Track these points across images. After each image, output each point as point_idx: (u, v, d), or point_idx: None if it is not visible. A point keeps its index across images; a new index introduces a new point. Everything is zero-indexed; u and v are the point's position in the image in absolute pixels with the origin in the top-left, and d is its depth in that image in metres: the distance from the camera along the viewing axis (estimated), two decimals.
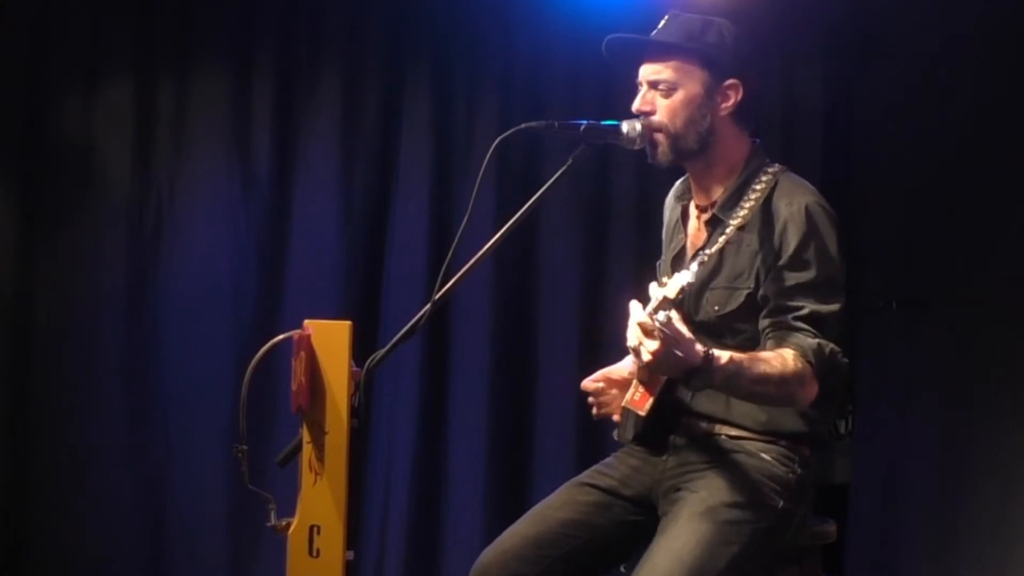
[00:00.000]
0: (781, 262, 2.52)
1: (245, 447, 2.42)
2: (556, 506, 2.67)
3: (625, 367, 2.67)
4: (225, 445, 4.09)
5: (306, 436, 2.41)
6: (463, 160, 4.34)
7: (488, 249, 2.51)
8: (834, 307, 2.51)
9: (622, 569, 2.72)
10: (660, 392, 2.45)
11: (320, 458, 2.39)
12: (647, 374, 2.42)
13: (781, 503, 2.54)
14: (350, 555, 2.40)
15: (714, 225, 2.63)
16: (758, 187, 2.56)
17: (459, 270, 2.50)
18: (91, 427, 4.36)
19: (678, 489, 2.57)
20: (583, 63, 4.15)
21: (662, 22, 2.66)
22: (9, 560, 4.35)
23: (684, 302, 2.43)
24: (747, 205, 2.51)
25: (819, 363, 2.45)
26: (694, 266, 2.32)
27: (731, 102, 2.62)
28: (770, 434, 2.58)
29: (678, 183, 2.83)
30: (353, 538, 2.41)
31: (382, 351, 2.46)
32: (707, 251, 2.39)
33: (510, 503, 4.16)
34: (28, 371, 4.38)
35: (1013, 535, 3.53)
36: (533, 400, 4.31)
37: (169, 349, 4.37)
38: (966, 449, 3.71)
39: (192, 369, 4.35)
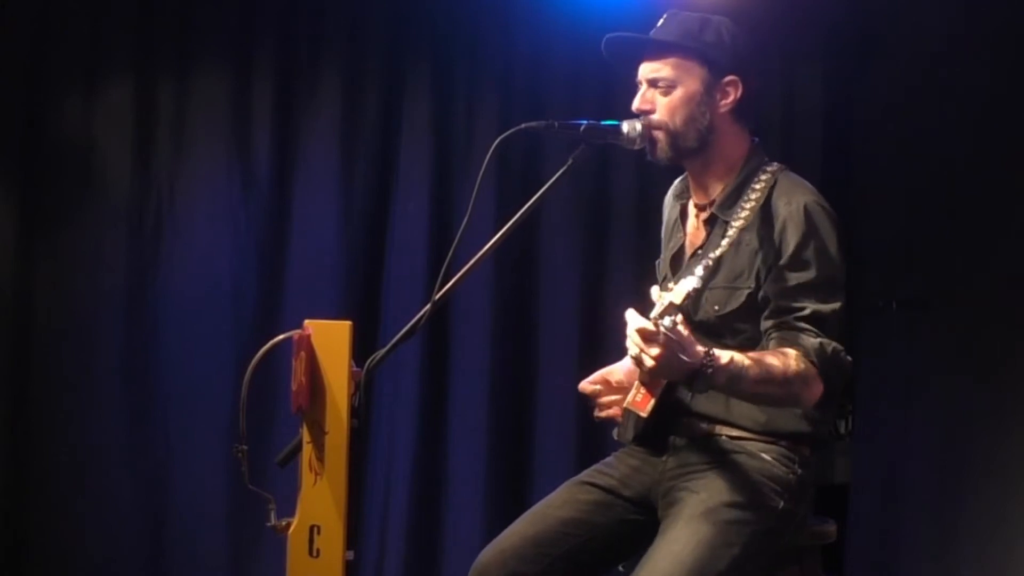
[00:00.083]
0: (781, 262, 2.52)
1: (245, 447, 2.42)
2: (556, 505, 2.67)
3: (623, 367, 2.67)
4: (225, 445, 4.09)
5: (306, 436, 2.41)
6: (463, 160, 4.34)
7: (488, 249, 2.51)
8: (835, 306, 2.51)
9: (620, 568, 2.72)
10: (661, 393, 2.45)
11: (320, 458, 2.39)
12: (649, 377, 2.42)
13: (781, 503, 2.54)
14: (350, 555, 2.40)
15: (713, 224, 2.64)
16: (757, 186, 2.56)
17: (459, 270, 2.50)
18: (91, 427, 4.35)
19: (678, 490, 2.56)
20: (583, 63, 4.15)
21: (661, 21, 2.66)
22: (9, 560, 4.35)
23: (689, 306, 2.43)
24: (747, 206, 2.51)
25: (822, 363, 2.45)
26: (699, 271, 2.32)
27: (730, 99, 2.62)
28: (770, 434, 2.58)
29: (677, 181, 2.84)
30: (353, 538, 2.41)
31: (382, 351, 2.46)
32: (712, 255, 2.38)
33: (510, 503, 4.16)
34: (28, 371, 4.38)
35: (1013, 535, 3.53)
36: (533, 400, 4.31)
37: (169, 349, 4.37)
38: (966, 449, 3.71)
39: (192, 369, 4.35)
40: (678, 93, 2.60)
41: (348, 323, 2.43)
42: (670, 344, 2.25)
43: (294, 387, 2.41)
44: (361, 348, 2.44)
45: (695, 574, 2.39)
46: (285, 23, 4.40)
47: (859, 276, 3.63)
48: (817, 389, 2.47)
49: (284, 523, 2.41)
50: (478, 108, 4.35)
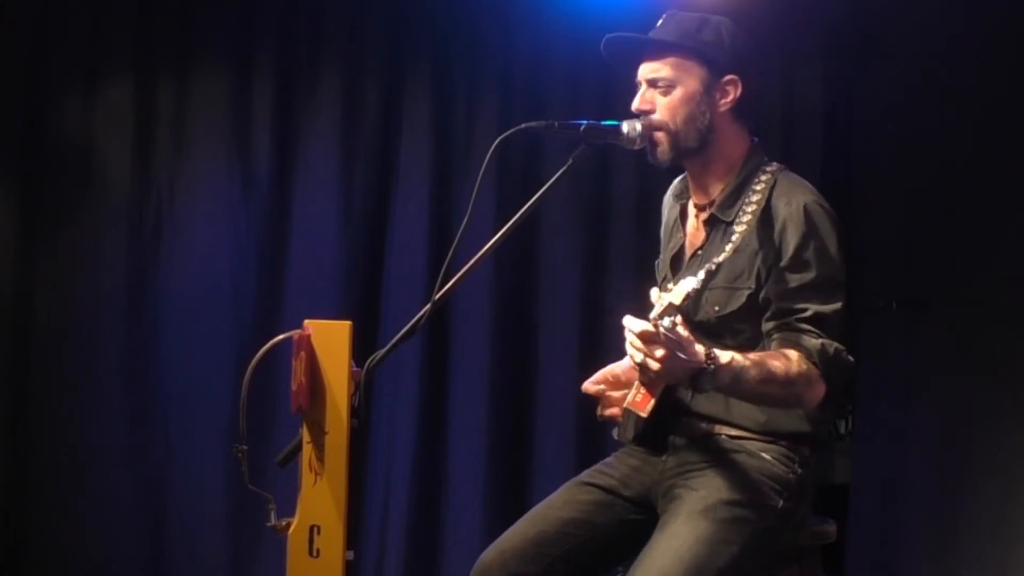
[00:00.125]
0: (782, 263, 2.52)
1: (245, 447, 2.42)
2: (556, 505, 2.67)
3: (624, 365, 2.66)
4: (225, 445, 4.09)
5: (306, 436, 2.41)
6: (463, 160, 4.34)
7: (488, 249, 2.51)
8: (836, 306, 2.51)
9: (620, 570, 2.72)
10: (661, 393, 2.45)
11: (320, 458, 2.39)
12: (654, 380, 2.42)
13: (781, 503, 2.54)
14: (350, 555, 2.40)
15: (713, 225, 2.64)
16: (757, 188, 2.56)
17: (459, 270, 2.49)
18: (91, 427, 4.35)
19: (677, 488, 2.56)
20: (583, 63, 4.15)
21: (660, 21, 2.67)
22: (9, 560, 4.35)
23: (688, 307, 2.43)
24: (748, 209, 2.51)
25: (824, 363, 2.46)
26: (701, 273, 2.32)
27: (730, 98, 2.62)
28: (770, 434, 2.58)
29: (676, 181, 2.84)
30: (353, 538, 2.41)
31: (382, 351, 2.46)
32: (715, 259, 2.38)
33: (510, 503, 4.16)
34: (28, 371, 4.38)
35: (1013, 535, 3.53)
36: (533, 400, 4.31)
37: (169, 349, 4.37)
38: (966, 449, 3.71)
39: (192, 369, 4.35)
40: (678, 93, 2.60)
41: (348, 323, 2.43)
42: (670, 345, 2.26)
43: (294, 387, 2.41)
44: (361, 348, 2.44)
45: (693, 570, 2.39)
46: (285, 23, 4.40)
47: (859, 276, 3.63)
48: (820, 390, 2.47)
49: (284, 523, 2.41)
50: (478, 108, 4.35)
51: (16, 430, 4.36)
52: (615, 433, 2.70)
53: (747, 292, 2.56)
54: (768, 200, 2.54)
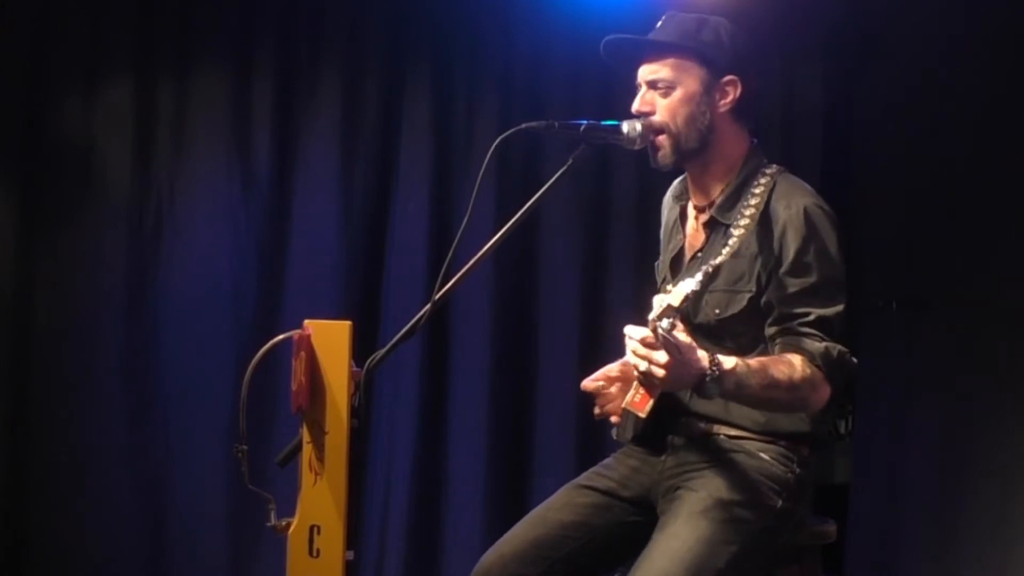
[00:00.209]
0: (783, 268, 2.52)
1: (245, 447, 2.42)
2: (556, 508, 2.68)
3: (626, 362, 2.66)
4: (225, 445, 4.09)
5: (306, 436, 2.41)
6: (463, 160, 4.34)
7: (488, 249, 2.51)
8: (838, 308, 2.51)
9: (619, 571, 2.72)
10: (660, 393, 2.45)
11: (320, 458, 2.39)
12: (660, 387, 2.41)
13: (780, 503, 2.54)
14: (350, 555, 2.40)
15: (712, 227, 2.63)
16: (757, 190, 2.56)
17: (459, 270, 2.50)
18: (91, 427, 4.35)
19: (677, 488, 2.57)
20: (583, 63, 4.15)
21: (659, 23, 2.66)
22: (9, 560, 4.35)
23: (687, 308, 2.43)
24: (747, 212, 2.51)
25: (828, 367, 2.46)
26: (699, 275, 2.31)
27: (730, 98, 2.62)
28: (769, 434, 2.58)
29: (676, 182, 2.84)
30: (353, 538, 2.41)
31: (382, 351, 2.46)
32: (712, 262, 2.38)
33: (510, 503, 4.16)
34: (28, 371, 4.38)
35: (1013, 535, 3.53)
36: (533, 400, 4.31)
37: (169, 349, 4.37)
38: (966, 449, 3.71)
39: (192, 369, 4.35)
40: (677, 94, 2.60)
41: (348, 323, 2.43)
42: (669, 348, 2.25)
43: (294, 387, 2.41)
44: (361, 348, 2.44)
45: (693, 571, 2.39)
46: (285, 23, 4.40)
47: (859, 276, 3.62)
48: (824, 393, 2.47)
49: (284, 523, 2.41)
50: (478, 108, 4.35)
51: (16, 430, 4.36)
52: (614, 433, 2.70)
53: (748, 295, 2.55)
54: (767, 203, 2.54)
